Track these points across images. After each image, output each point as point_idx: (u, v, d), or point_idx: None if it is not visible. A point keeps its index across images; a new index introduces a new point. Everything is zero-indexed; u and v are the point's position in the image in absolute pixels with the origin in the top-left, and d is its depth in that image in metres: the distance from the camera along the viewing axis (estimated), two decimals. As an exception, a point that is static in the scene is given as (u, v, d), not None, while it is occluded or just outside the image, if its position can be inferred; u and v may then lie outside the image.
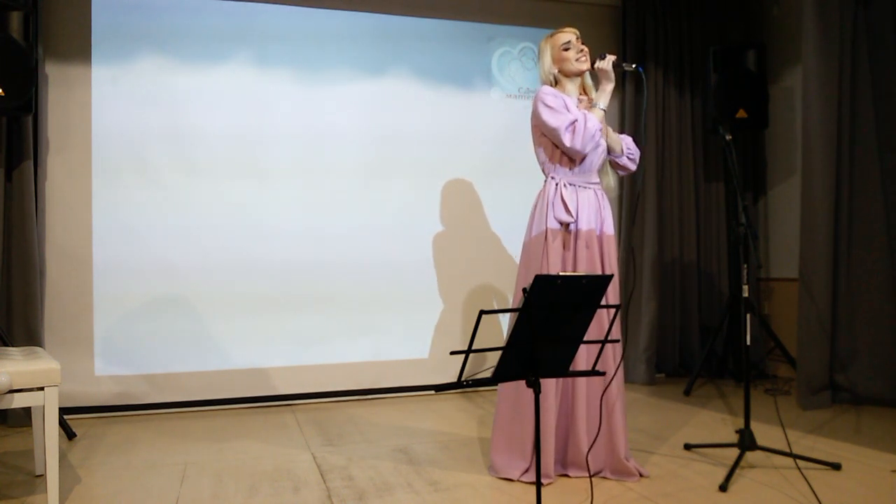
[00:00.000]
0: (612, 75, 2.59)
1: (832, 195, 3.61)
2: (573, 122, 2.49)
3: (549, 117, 2.52)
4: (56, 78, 3.66)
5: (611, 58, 2.57)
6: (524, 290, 1.79)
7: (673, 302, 4.55)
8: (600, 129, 2.54)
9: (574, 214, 2.54)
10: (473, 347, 1.78)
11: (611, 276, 1.92)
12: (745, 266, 2.82)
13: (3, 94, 3.12)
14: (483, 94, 4.36)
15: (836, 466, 2.57)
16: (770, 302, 4.65)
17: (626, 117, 4.52)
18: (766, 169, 4.71)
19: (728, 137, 2.78)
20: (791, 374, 4.20)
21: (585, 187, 2.60)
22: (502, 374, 1.88)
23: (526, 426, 2.50)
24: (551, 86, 2.65)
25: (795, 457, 2.56)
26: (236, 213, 3.90)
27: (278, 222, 3.96)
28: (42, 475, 2.56)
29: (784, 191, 4.56)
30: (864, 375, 3.62)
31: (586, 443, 2.49)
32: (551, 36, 2.64)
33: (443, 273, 4.23)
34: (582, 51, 2.61)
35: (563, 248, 2.55)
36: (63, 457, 2.87)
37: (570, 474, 2.54)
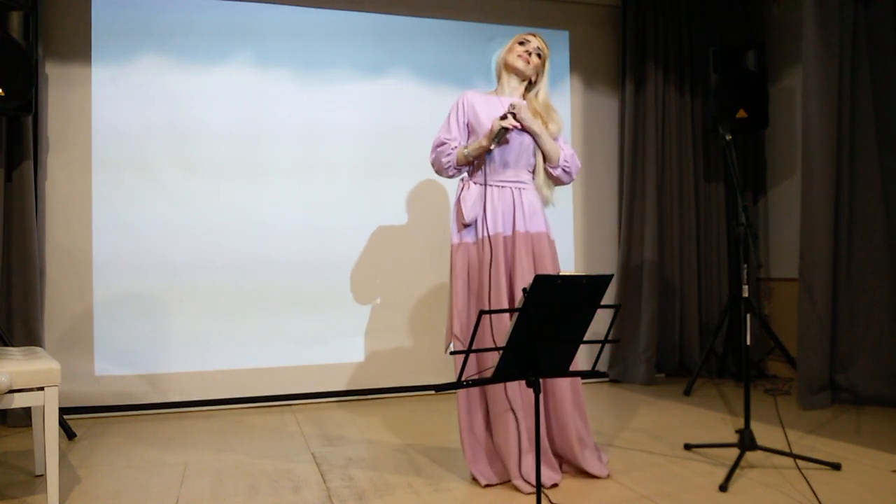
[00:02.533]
0: (492, 135, 2.43)
1: (832, 195, 3.61)
2: (442, 144, 2.57)
3: (441, 125, 2.63)
4: (56, 78, 3.67)
5: (507, 123, 2.42)
6: (524, 290, 1.79)
7: (673, 302, 4.54)
8: (455, 167, 2.56)
9: (468, 218, 2.50)
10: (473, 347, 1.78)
11: (611, 276, 1.92)
12: (745, 266, 2.82)
13: (3, 94, 3.12)
14: (483, 94, 4.35)
15: (836, 466, 2.57)
16: (770, 302, 4.65)
17: (626, 117, 4.52)
18: (766, 169, 4.71)
19: (728, 137, 2.78)
20: (791, 374, 4.20)
21: (500, 186, 2.54)
22: (502, 374, 1.88)
23: (483, 432, 2.49)
24: (497, 76, 2.67)
25: (795, 457, 2.56)
26: (237, 213, 3.90)
27: (279, 221, 3.96)
28: (42, 475, 2.56)
29: (784, 191, 4.56)
30: (864, 375, 3.62)
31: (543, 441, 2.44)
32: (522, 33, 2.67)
33: (443, 273, 4.23)
34: (530, 54, 2.58)
35: (464, 258, 2.53)
36: (63, 457, 2.87)
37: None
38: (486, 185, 2.53)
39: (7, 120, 3.37)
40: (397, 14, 4.21)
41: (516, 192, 2.55)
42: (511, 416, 2.42)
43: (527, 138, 2.55)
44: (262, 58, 3.97)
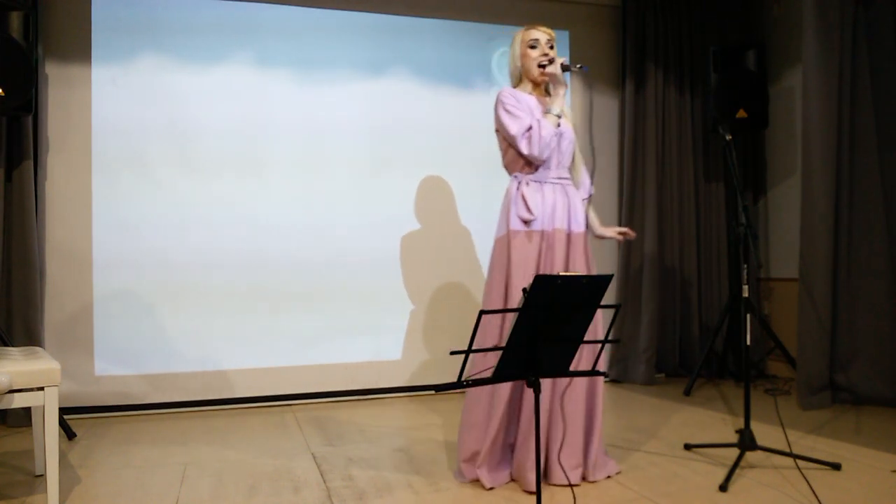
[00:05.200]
0: (562, 79, 2.52)
1: (832, 195, 3.61)
2: (528, 129, 2.46)
3: (508, 122, 2.50)
4: (56, 78, 3.66)
5: (559, 61, 2.51)
6: (524, 290, 1.79)
7: (673, 302, 4.55)
8: (555, 134, 2.49)
9: (535, 213, 2.49)
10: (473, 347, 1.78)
11: (611, 276, 1.91)
12: (745, 266, 2.82)
13: (3, 94, 3.12)
14: (483, 93, 4.36)
15: (836, 466, 2.57)
16: (770, 302, 4.65)
17: (626, 117, 4.52)
18: (766, 169, 4.71)
19: (728, 137, 2.78)
20: (791, 374, 4.20)
21: (553, 183, 2.55)
22: (502, 374, 1.88)
23: (481, 420, 2.48)
24: (517, 81, 2.64)
25: (795, 457, 2.56)
26: (237, 212, 3.90)
27: (279, 220, 3.96)
28: (42, 475, 2.56)
29: (784, 191, 4.56)
30: (864, 375, 3.62)
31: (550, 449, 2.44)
32: (524, 29, 2.61)
33: (444, 272, 4.23)
34: (546, 55, 2.55)
35: (525, 248, 2.49)
36: (63, 457, 2.87)
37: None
38: (545, 182, 2.54)
39: (7, 120, 3.37)
40: (397, 14, 4.21)
41: (570, 191, 2.58)
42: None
43: (571, 134, 2.58)
44: (262, 57, 3.97)
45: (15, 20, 3.21)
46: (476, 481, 2.47)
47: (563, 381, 2.45)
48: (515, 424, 2.49)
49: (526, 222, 2.49)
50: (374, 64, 4.17)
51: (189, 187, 3.84)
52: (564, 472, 2.40)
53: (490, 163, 4.27)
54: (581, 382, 2.49)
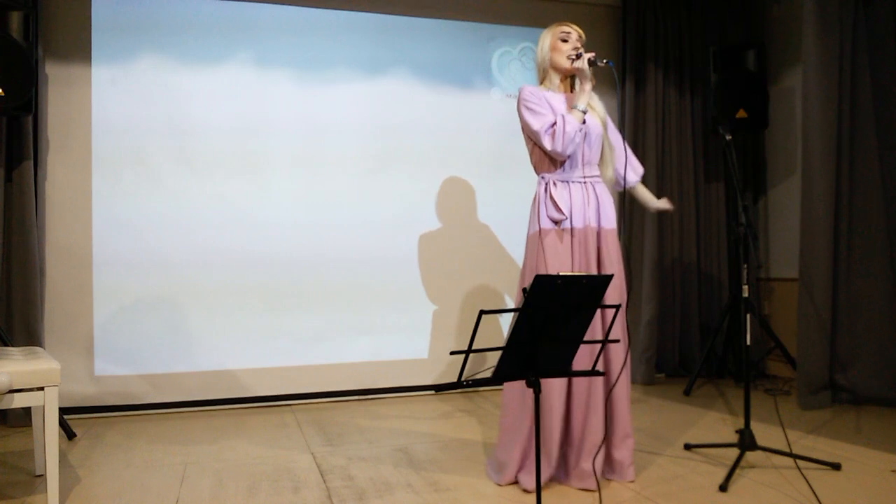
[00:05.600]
0: (589, 74, 2.54)
1: (832, 195, 3.61)
2: (552, 125, 2.47)
3: (530, 119, 2.52)
4: (56, 78, 3.66)
5: (586, 56, 2.52)
6: (524, 290, 1.79)
7: (673, 302, 4.54)
8: (580, 130, 2.49)
9: (566, 212, 2.49)
10: (473, 347, 1.78)
11: (610, 277, 1.91)
12: (745, 266, 2.82)
13: (3, 94, 3.12)
14: (483, 93, 4.36)
15: (836, 466, 2.57)
16: (770, 302, 4.65)
17: (626, 117, 4.52)
18: (766, 169, 4.71)
19: (728, 137, 2.78)
20: (791, 374, 4.20)
21: (581, 182, 2.55)
22: (502, 374, 1.88)
23: (526, 428, 2.46)
24: (543, 76, 2.65)
25: (795, 457, 2.56)
26: (237, 211, 3.90)
27: (278, 220, 3.96)
28: (42, 475, 2.56)
29: (784, 191, 4.56)
30: (864, 375, 3.62)
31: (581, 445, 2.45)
32: (555, 24, 2.63)
33: (444, 271, 4.23)
34: (576, 48, 2.58)
35: (558, 246, 2.49)
36: (63, 457, 2.87)
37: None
38: (572, 181, 2.55)
39: (7, 120, 3.37)
40: (397, 14, 4.21)
41: (598, 188, 2.59)
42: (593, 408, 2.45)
43: (598, 130, 2.58)
44: (262, 56, 3.97)
45: (15, 20, 3.22)
46: (501, 484, 2.47)
47: (612, 377, 2.48)
48: (563, 426, 2.48)
49: (556, 221, 2.51)
50: (374, 64, 4.17)
51: (189, 187, 3.84)
52: (595, 471, 2.42)
53: (490, 162, 4.31)
54: (622, 379, 2.51)
